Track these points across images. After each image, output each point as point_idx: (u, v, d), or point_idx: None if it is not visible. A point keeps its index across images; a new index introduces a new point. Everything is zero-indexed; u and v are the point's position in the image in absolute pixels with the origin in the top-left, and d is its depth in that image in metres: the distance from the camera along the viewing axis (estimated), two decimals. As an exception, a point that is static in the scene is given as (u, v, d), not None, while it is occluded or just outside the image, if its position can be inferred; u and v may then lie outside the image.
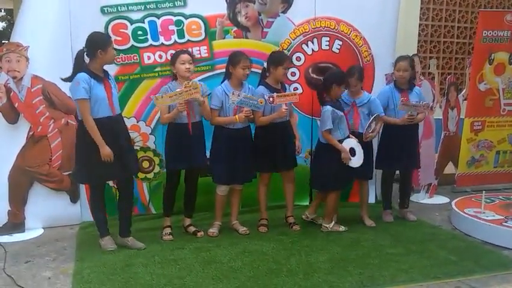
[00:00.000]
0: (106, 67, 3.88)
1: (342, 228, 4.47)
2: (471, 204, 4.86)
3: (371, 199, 5.39)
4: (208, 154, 4.38)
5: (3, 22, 17.20)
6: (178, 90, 3.94)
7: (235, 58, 4.18)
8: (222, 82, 4.28)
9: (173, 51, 4.35)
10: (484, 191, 4.93)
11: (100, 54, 3.70)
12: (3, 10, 16.38)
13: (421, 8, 6.85)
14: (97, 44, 3.72)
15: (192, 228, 4.36)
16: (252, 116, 4.22)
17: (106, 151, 3.66)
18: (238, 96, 4.03)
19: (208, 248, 3.97)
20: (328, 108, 4.24)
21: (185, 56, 4.08)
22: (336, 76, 4.40)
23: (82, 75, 3.64)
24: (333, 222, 4.50)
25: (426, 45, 6.98)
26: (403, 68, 4.54)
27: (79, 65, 3.74)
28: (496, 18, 5.69)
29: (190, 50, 4.47)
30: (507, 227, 4.20)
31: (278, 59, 4.33)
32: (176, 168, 4.19)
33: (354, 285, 3.34)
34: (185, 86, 3.94)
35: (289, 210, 4.64)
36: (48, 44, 4.32)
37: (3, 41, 14.51)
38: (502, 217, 4.44)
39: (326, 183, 4.42)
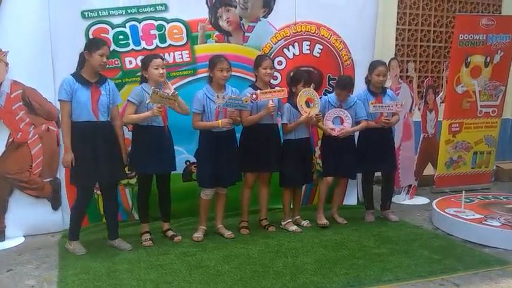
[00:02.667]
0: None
1: (293, 228, 4.54)
2: (451, 204, 4.95)
3: (353, 201, 5.46)
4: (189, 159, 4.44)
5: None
6: (167, 93, 3.92)
7: (212, 61, 4.21)
8: None
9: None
10: (463, 191, 5.02)
11: (86, 55, 3.76)
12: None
13: (398, 13, 6.96)
14: (86, 46, 3.83)
15: (170, 233, 4.33)
16: (239, 118, 4.24)
17: (67, 156, 3.77)
18: (223, 98, 4.03)
19: (193, 252, 3.95)
20: (286, 105, 4.42)
21: (158, 61, 4.05)
22: (305, 77, 4.48)
23: (67, 78, 3.76)
24: (288, 220, 4.61)
25: (404, 49, 7.10)
26: (383, 73, 4.62)
27: (78, 63, 3.86)
28: (472, 22, 5.82)
29: (169, 55, 4.51)
30: (487, 226, 4.29)
31: (257, 61, 4.43)
32: (147, 172, 4.15)
33: (341, 285, 3.36)
34: (173, 94, 3.95)
35: (263, 212, 4.68)
36: (28, 49, 4.24)
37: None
38: (482, 216, 4.53)
39: (281, 179, 4.58)
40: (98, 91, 3.80)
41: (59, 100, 3.77)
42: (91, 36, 4.35)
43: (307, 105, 4.37)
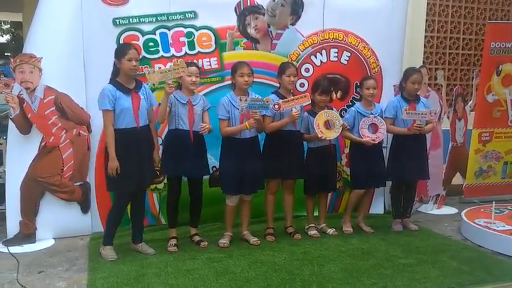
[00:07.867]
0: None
1: (312, 232, 4.60)
2: (481, 215, 4.86)
3: (380, 210, 5.41)
4: (215, 165, 4.48)
5: (8, 35, 17.31)
6: (167, 67, 4.03)
7: (233, 67, 4.26)
8: None
9: (184, 63, 4.43)
10: (494, 202, 4.93)
11: (117, 64, 3.82)
12: (8, 23, 16.49)
13: (427, 20, 6.90)
14: (115, 54, 3.86)
15: (196, 238, 4.37)
16: (259, 118, 4.21)
17: (113, 164, 3.76)
18: (246, 100, 4.03)
19: (220, 258, 3.97)
20: (304, 114, 4.49)
21: (193, 69, 4.12)
22: (323, 85, 4.46)
23: (107, 87, 3.79)
24: (311, 225, 4.67)
25: (432, 56, 7.02)
26: (418, 80, 4.59)
27: (112, 72, 3.91)
28: (504, 30, 5.74)
29: (198, 62, 4.51)
30: (518, 237, 4.21)
31: (281, 69, 4.44)
32: (169, 173, 4.22)
33: (368, 295, 3.35)
34: (174, 64, 4.02)
35: (288, 220, 4.67)
36: (61, 56, 4.34)
37: (5, 54, 14.66)
38: (513, 227, 4.44)
39: (304, 187, 4.61)
40: (138, 97, 3.86)
41: (102, 110, 3.77)
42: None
43: (329, 126, 4.36)
